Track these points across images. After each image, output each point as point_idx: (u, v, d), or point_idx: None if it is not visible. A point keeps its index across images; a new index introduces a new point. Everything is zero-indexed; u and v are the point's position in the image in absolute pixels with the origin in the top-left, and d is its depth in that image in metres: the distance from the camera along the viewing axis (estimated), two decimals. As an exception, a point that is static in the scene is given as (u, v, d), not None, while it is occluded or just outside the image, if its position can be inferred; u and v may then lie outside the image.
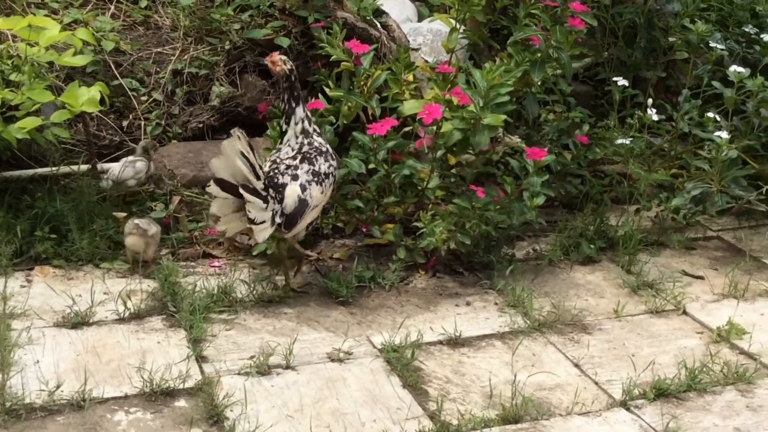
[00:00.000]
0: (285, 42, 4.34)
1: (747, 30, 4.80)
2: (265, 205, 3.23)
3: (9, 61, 3.63)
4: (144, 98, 4.33)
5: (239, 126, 4.42)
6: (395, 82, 3.90)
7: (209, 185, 3.29)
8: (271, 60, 3.53)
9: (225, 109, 4.43)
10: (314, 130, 3.52)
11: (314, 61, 4.47)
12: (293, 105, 3.48)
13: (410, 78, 3.93)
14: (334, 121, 3.92)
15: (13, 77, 3.68)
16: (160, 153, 4.18)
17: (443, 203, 3.73)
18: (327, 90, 4.22)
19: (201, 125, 4.40)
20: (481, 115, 3.32)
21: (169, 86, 4.37)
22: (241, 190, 3.18)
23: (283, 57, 3.51)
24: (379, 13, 4.55)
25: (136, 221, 3.60)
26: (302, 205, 3.34)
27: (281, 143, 3.54)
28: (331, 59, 4.08)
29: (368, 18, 4.47)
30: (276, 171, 3.42)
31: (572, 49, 3.58)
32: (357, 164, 3.71)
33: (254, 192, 3.22)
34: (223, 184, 3.23)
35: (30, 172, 3.92)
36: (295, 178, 3.37)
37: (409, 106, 3.80)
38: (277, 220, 3.29)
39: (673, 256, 3.97)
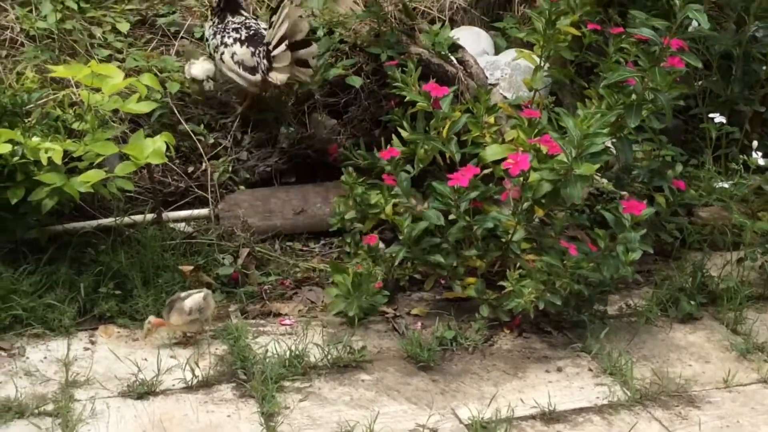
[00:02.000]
0: (357, 81, 4.15)
1: None
2: None
3: (71, 110, 3.49)
4: (211, 142, 4.17)
5: (309, 169, 4.33)
6: (475, 124, 3.68)
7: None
8: None
9: (294, 151, 4.26)
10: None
11: (387, 99, 4.27)
12: None
13: (491, 120, 3.70)
14: (411, 170, 3.71)
15: (75, 126, 3.55)
16: (228, 201, 4.02)
17: (529, 258, 3.49)
18: (402, 132, 4.03)
19: (269, 169, 4.23)
20: (574, 166, 3.07)
21: (237, 132, 4.20)
22: None
23: None
24: (455, 47, 4.33)
25: (183, 301, 3.36)
26: None
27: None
28: (406, 100, 3.88)
29: (444, 53, 4.26)
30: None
31: (671, 90, 3.31)
32: (436, 216, 3.50)
33: None
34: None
35: (93, 223, 3.79)
36: None
37: (491, 152, 3.57)
38: None
39: (783, 312, 3.68)
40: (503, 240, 3.52)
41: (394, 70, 3.94)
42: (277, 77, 3.99)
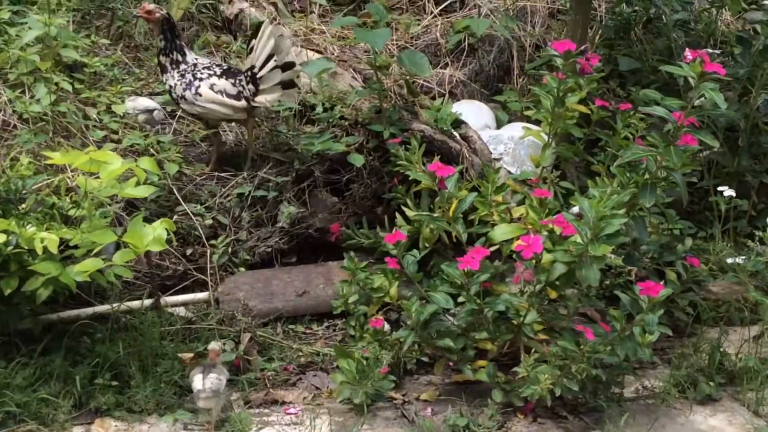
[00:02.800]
0: (359, 160, 4.09)
1: None
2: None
3: (67, 197, 3.40)
4: (209, 222, 4.09)
5: (311, 248, 4.24)
6: (483, 203, 3.61)
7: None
8: (146, 11, 4.09)
9: (294, 231, 4.17)
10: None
11: (390, 176, 4.21)
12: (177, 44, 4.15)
13: (499, 198, 3.63)
14: (416, 253, 3.63)
15: (72, 212, 3.46)
16: (228, 284, 3.92)
17: (543, 342, 3.40)
18: (406, 210, 3.96)
19: (269, 249, 4.14)
20: (590, 249, 3.00)
21: (236, 209, 4.12)
22: None
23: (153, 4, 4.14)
24: (457, 123, 4.29)
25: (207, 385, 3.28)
26: None
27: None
28: (410, 178, 3.82)
29: (447, 129, 4.21)
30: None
31: (684, 167, 3.25)
32: (444, 299, 3.41)
33: None
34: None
35: (89, 310, 3.68)
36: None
37: (501, 232, 3.50)
38: None
39: (804, 391, 3.57)
40: (514, 322, 3.43)
41: (398, 148, 3.90)
42: (266, 99, 4.04)
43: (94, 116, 4.33)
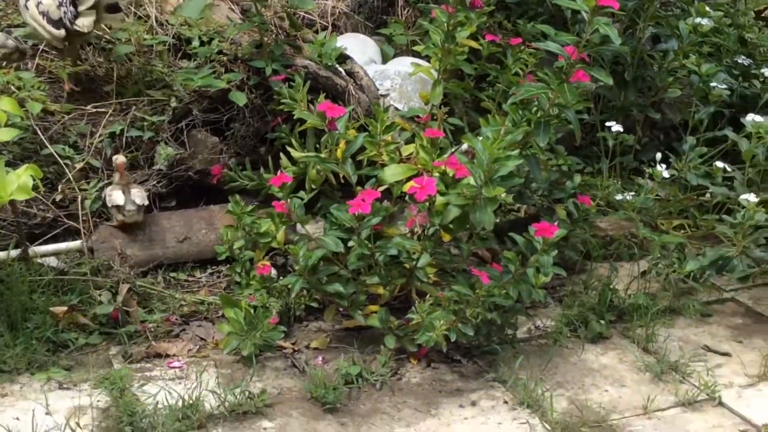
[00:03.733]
0: (241, 99, 3.89)
1: (740, 61, 4.52)
2: None
3: None
4: (78, 165, 3.83)
5: (191, 192, 4.05)
6: (372, 144, 3.49)
7: None
8: None
9: (173, 174, 3.96)
10: None
11: (273, 115, 4.04)
12: None
13: (388, 138, 3.52)
14: (303, 194, 3.50)
15: (-76, 158, 3.17)
16: (102, 232, 3.70)
17: (436, 285, 3.34)
18: (291, 151, 3.81)
19: (147, 193, 3.92)
20: (484, 192, 2.92)
21: (108, 150, 3.88)
22: None
23: None
24: (343, 58, 4.13)
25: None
26: None
27: None
28: (295, 116, 3.66)
29: (331, 65, 4.05)
30: None
31: (577, 105, 3.20)
32: (334, 243, 3.29)
33: None
34: None
35: (-52, 263, 3.41)
36: None
37: (391, 173, 3.39)
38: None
39: (690, 326, 3.63)
40: (407, 266, 3.35)
41: (281, 86, 3.73)
42: (83, 23, 3.76)
43: (-53, 51, 3.97)
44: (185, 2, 3.89)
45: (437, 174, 3.14)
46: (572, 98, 3.06)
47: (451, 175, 3.08)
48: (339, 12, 4.87)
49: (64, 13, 3.73)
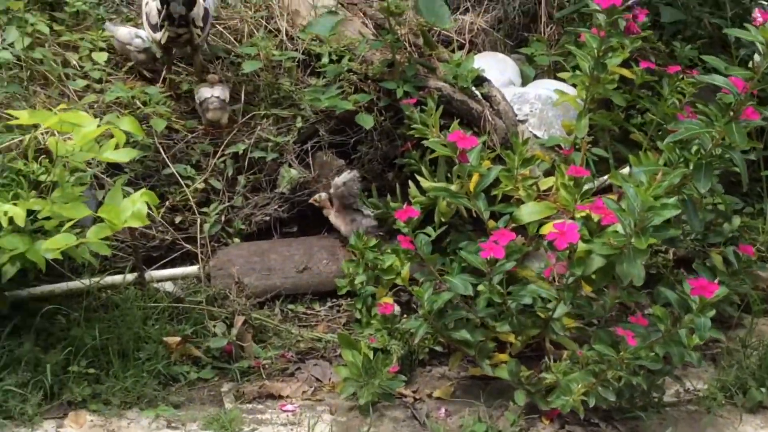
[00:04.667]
0: (369, 121, 3.67)
1: None
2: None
3: (37, 162, 3.01)
4: (200, 186, 3.70)
5: (313, 217, 3.87)
6: (508, 178, 3.22)
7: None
8: None
9: (296, 198, 3.79)
10: None
11: (403, 140, 3.81)
12: None
13: (526, 172, 3.24)
14: (432, 231, 3.25)
15: (43, 178, 3.07)
16: (220, 257, 3.55)
17: (571, 332, 3.05)
18: (421, 180, 3.57)
19: (267, 218, 3.76)
20: (634, 243, 2.61)
21: (230, 171, 3.73)
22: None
23: None
24: (479, 80, 3.86)
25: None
26: (206, 13, 3.69)
27: None
28: (426, 143, 3.42)
29: (467, 88, 3.78)
30: None
31: (745, 145, 2.84)
32: (463, 286, 3.03)
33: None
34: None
35: (64, 286, 3.32)
36: None
37: (527, 212, 3.12)
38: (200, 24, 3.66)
39: None
40: (542, 315, 3.06)
41: (412, 110, 3.50)
42: (155, 35, 3.70)
43: (75, 62, 3.91)
44: (316, 19, 3.70)
45: (580, 218, 2.84)
46: (741, 140, 2.70)
47: (596, 220, 2.78)
48: (477, 28, 4.61)
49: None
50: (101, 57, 3.68)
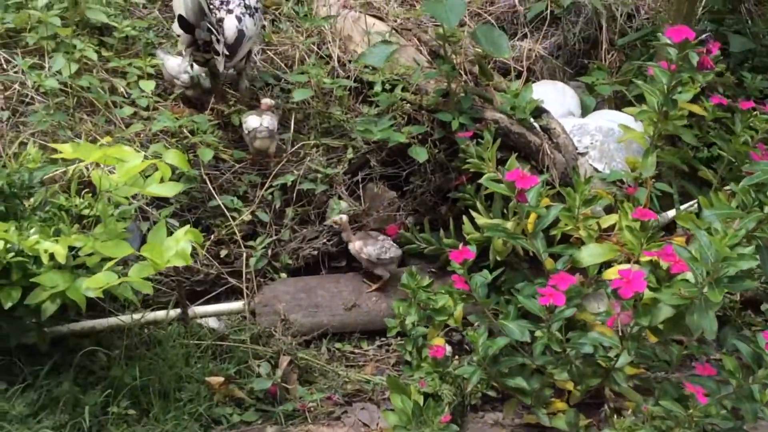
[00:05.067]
0: (423, 155, 3.54)
1: None
2: (219, 36, 3.51)
3: (80, 198, 2.92)
4: (247, 219, 3.59)
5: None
6: (569, 217, 3.06)
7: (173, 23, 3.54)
8: None
9: (345, 231, 3.67)
10: None
11: (457, 173, 3.67)
12: None
13: (587, 212, 3.08)
14: (488, 275, 3.11)
15: (86, 212, 2.98)
16: (266, 293, 3.44)
17: (633, 380, 2.88)
18: (476, 216, 3.43)
19: (315, 252, 3.64)
20: (707, 294, 2.44)
21: (278, 203, 3.62)
22: (207, 25, 3.46)
23: None
24: (539, 111, 3.71)
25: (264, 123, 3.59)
26: (240, 35, 3.61)
27: None
28: (482, 179, 3.29)
29: (525, 119, 3.64)
30: (212, 7, 3.61)
31: (823, 189, 2.66)
32: (520, 332, 2.89)
33: (212, 25, 3.48)
34: (183, 21, 3.45)
35: (105, 322, 3.23)
36: (229, 11, 3.64)
37: (589, 254, 2.97)
38: (225, 51, 3.55)
39: None
40: (603, 364, 2.90)
41: (468, 144, 3.36)
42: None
43: (123, 89, 3.84)
44: (369, 48, 3.58)
45: (646, 264, 2.67)
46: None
47: (664, 268, 2.61)
48: (536, 55, 4.46)
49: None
50: (149, 86, 3.60)
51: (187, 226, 2.91)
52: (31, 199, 3.04)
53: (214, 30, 3.47)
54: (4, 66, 3.77)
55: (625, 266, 2.75)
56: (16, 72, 3.72)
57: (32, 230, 2.82)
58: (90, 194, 3.03)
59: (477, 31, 3.44)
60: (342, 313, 3.47)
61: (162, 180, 2.97)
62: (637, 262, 2.90)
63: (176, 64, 3.79)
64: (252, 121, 3.60)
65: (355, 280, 3.56)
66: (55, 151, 2.99)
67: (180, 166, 3.01)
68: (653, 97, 3.03)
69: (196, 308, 3.39)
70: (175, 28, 3.51)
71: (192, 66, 3.65)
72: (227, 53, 3.58)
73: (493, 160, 3.32)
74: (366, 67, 3.99)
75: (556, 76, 4.43)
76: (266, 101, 3.70)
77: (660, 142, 3.16)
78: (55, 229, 2.88)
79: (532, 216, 3.06)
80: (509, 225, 3.27)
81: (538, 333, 2.86)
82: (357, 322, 3.49)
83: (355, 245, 3.51)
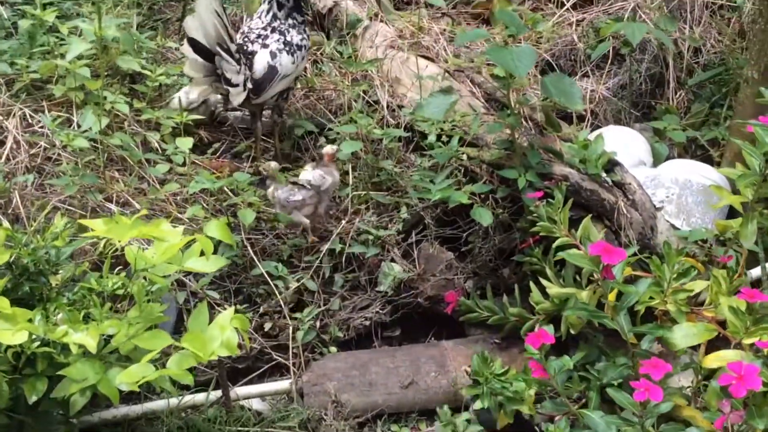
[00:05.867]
0: (487, 218, 3.22)
1: None
2: (238, 67, 3.30)
3: (112, 278, 2.64)
4: (293, 286, 3.30)
5: (419, 320, 3.45)
6: (658, 293, 2.74)
7: (182, 43, 3.37)
8: None
9: (399, 300, 3.36)
10: (289, 16, 3.52)
11: (523, 233, 3.35)
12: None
13: (678, 285, 2.76)
14: (568, 362, 2.80)
15: (120, 291, 2.70)
16: (315, 371, 3.14)
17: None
18: (546, 284, 3.12)
19: (367, 322, 3.34)
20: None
21: (327, 271, 3.32)
22: (217, 48, 3.22)
23: None
24: (611, 164, 3.39)
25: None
26: (272, 71, 3.42)
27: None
28: (554, 245, 2.99)
29: (596, 174, 3.32)
30: (246, 40, 3.48)
31: None
32: (606, 425, 2.57)
33: (228, 52, 3.26)
34: (195, 44, 3.22)
35: (138, 409, 2.94)
36: (265, 46, 3.46)
37: (681, 335, 2.66)
38: (249, 85, 3.36)
39: None
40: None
41: (538, 205, 3.05)
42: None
43: (156, 142, 3.58)
44: (426, 99, 3.27)
45: (760, 357, 2.34)
46: None
47: (772, 356, 2.29)
48: (599, 96, 4.14)
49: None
50: (186, 143, 3.31)
51: (232, 310, 2.61)
52: (59, 276, 2.77)
53: (229, 57, 3.26)
54: (30, 120, 3.51)
55: (729, 352, 2.43)
56: (42, 127, 3.46)
57: (59, 316, 2.54)
58: (123, 272, 2.75)
59: (546, 80, 3.13)
60: (398, 392, 3.16)
61: (202, 253, 2.68)
62: (739, 345, 2.58)
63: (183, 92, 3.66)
64: (284, 193, 3.29)
65: (412, 354, 3.25)
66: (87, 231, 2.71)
67: (223, 238, 2.72)
68: (754, 159, 2.71)
69: (238, 389, 3.10)
70: (186, 51, 3.26)
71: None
72: (251, 87, 3.38)
73: (565, 223, 3.02)
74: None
75: (621, 119, 4.11)
76: (329, 149, 3.41)
77: (760, 208, 2.83)
78: (85, 312, 2.60)
79: (613, 293, 2.74)
80: (584, 295, 2.97)
81: (627, 429, 2.54)
82: (415, 402, 3.17)
83: (269, 191, 3.31)
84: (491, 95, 3.90)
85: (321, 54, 4.27)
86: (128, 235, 2.47)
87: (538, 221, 3.05)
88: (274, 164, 3.34)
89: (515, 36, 3.24)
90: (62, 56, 3.51)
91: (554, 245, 2.98)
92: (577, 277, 3.11)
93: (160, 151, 3.53)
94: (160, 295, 2.72)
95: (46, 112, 3.52)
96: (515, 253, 3.42)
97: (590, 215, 3.14)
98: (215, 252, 2.76)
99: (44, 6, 3.76)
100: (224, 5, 3.46)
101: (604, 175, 3.36)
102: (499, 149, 3.37)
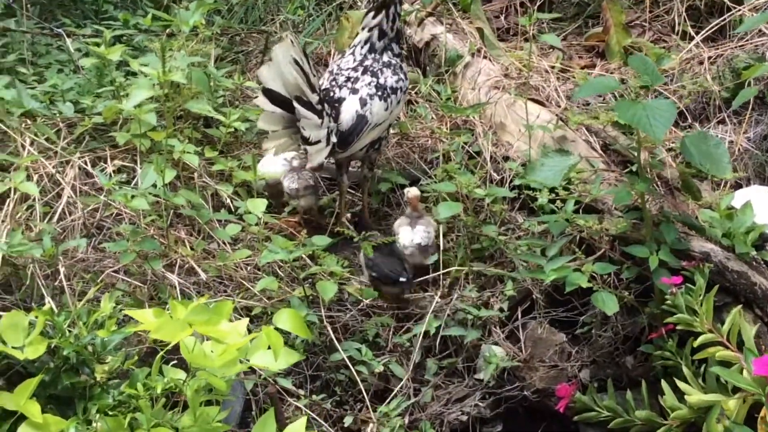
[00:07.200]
0: (612, 306, 2.71)
1: None
2: (320, 121, 2.94)
3: (160, 378, 2.23)
4: (377, 371, 2.86)
5: (524, 415, 2.97)
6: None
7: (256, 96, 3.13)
8: None
9: (502, 392, 2.90)
10: (387, 49, 3.17)
11: (651, 319, 2.85)
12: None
13: None
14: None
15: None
16: (401, 480, 2.69)
17: None
18: (683, 387, 2.61)
19: (464, 417, 2.88)
20: None
21: (417, 356, 2.88)
22: (295, 103, 2.87)
23: None
24: (763, 240, 2.85)
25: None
26: (360, 121, 3.05)
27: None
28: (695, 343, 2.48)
29: (745, 253, 2.79)
30: (333, 84, 3.14)
31: None
32: None
33: (308, 106, 2.90)
34: (271, 95, 2.90)
35: None
36: (354, 91, 3.09)
37: None
38: (333, 139, 3.00)
39: None
40: None
41: (675, 293, 2.55)
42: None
43: (228, 196, 3.19)
44: (540, 160, 2.79)
45: None
46: None
47: None
48: (738, 149, 3.59)
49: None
50: (259, 207, 2.90)
51: (304, 419, 2.18)
52: (105, 365, 2.38)
53: (309, 112, 2.90)
54: (90, 169, 3.16)
55: None
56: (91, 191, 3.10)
57: (98, 425, 2.15)
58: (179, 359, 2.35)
59: (687, 141, 2.62)
60: (501, 507, 2.70)
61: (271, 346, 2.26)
62: None
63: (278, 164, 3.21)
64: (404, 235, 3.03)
65: (516, 460, 2.79)
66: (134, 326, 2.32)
67: (295, 331, 2.29)
68: None
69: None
70: (261, 103, 2.93)
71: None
72: (336, 141, 3.00)
73: (709, 314, 2.52)
74: (524, 164, 3.25)
75: (765, 176, 3.55)
76: (414, 192, 3.11)
77: None
78: (131, 419, 2.21)
79: (773, 409, 2.22)
80: (732, 404, 2.46)
81: None
82: None
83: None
84: (609, 145, 3.41)
85: (416, 94, 3.84)
86: (180, 336, 2.06)
87: (674, 310, 2.55)
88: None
89: (649, 87, 2.74)
90: (128, 96, 3.14)
91: (695, 343, 2.48)
92: (721, 378, 2.60)
93: (232, 209, 3.14)
94: (217, 396, 2.31)
95: (109, 161, 3.17)
96: (641, 341, 2.92)
97: (740, 304, 2.62)
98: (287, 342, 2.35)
99: (113, 41, 3.42)
100: (305, 50, 3.06)
101: (753, 252, 2.82)
102: (627, 220, 2.87)
